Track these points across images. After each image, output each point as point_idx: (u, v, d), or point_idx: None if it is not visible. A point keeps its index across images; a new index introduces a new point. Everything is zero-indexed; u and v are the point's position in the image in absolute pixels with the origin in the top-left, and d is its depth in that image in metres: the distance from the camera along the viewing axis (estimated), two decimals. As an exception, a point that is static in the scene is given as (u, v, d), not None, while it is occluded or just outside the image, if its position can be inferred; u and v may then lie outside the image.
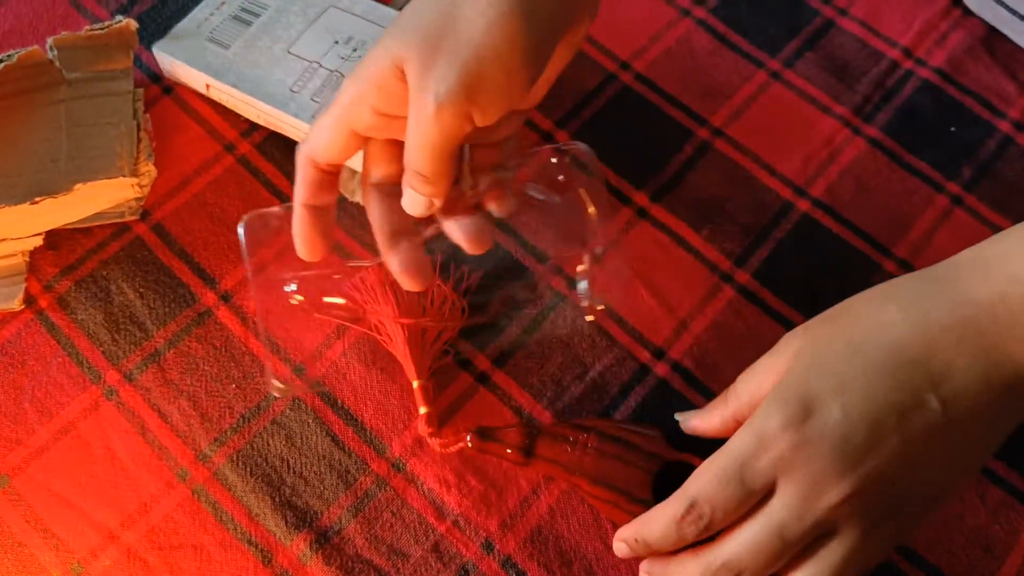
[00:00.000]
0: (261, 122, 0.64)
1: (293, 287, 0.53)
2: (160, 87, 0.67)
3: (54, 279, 0.60)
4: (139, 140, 0.61)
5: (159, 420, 0.56)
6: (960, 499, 0.55)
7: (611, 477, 0.51)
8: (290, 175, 0.64)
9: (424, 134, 0.44)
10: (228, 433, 0.56)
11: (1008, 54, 0.71)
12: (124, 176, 0.58)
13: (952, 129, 0.69)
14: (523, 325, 0.59)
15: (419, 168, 0.45)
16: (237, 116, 0.66)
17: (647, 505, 0.49)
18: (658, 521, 0.46)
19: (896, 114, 0.69)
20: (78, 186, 0.57)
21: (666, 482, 0.49)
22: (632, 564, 0.53)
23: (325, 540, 0.53)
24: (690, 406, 0.57)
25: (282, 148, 0.65)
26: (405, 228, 0.50)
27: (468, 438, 0.53)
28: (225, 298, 0.59)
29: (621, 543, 0.50)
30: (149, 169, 0.60)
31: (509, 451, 0.52)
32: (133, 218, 0.61)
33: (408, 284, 0.50)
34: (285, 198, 0.63)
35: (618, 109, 0.68)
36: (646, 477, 0.51)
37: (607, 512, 0.52)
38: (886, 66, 0.71)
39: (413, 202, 0.47)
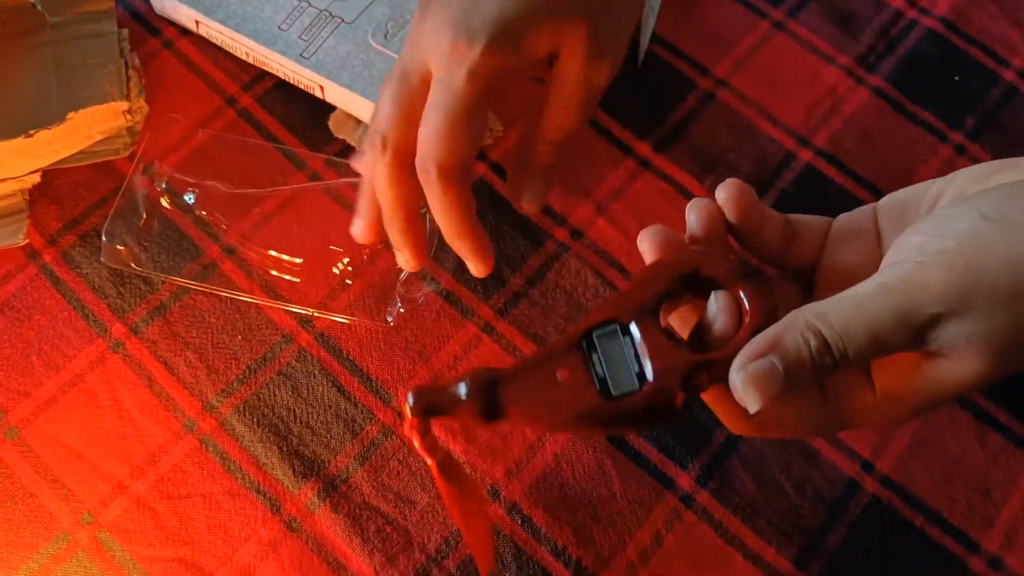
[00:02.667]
0: (251, 60, 0.64)
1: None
2: (160, 41, 0.67)
3: (58, 234, 0.60)
4: (128, 78, 0.61)
5: (166, 372, 0.56)
6: (960, 445, 0.56)
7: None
8: (293, 128, 0.64)
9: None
10: (235, 384, 0.56)
11: (1013, 3, 0.71)
12: (115, 100, 0.59)
13: (956, 79, 0.68)
14: (527, 276, 0.59)
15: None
16: (238, 69, 0.65)
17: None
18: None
19: (900, 64, 0.68)
20: (70, 115, 0.58)
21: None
22: (637, 510, 0.54)
23: (333, 488, 0.54)
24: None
25: (284, 101, 0.65)
26: (414, 206, 0.48)
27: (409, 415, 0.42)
28: (229, 251, 0.59)
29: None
30: (141, 105, 0.61)
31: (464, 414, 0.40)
32: (126, 154, 0.61)
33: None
34: (288, 153, 0.63)
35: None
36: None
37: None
38: (890, 15, 0.70)
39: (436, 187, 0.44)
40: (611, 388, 0.36)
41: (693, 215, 0.42)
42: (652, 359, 0.37)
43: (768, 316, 0.37)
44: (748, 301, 0.37)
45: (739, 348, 0.36)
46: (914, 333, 0.34)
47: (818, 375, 0.35)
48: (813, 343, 0.34)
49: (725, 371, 0.36)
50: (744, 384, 0.35)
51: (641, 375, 0.37)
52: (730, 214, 0.42)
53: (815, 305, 0.36)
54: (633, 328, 0.37)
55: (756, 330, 0.36)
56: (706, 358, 0.37)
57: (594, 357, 0.37)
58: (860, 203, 0.63)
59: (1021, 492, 0.55)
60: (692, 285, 0.39)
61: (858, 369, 0.38)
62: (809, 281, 0.43)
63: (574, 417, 0.37)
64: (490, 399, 0.37)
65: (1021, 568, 0.53)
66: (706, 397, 0.40)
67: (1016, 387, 0.57)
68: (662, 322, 0.39)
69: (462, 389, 0.38)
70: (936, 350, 0.35)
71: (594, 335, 0.37)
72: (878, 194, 0.62)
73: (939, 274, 0.34)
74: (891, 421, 0.40)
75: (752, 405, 0.35)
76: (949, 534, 0.54)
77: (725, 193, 0.42)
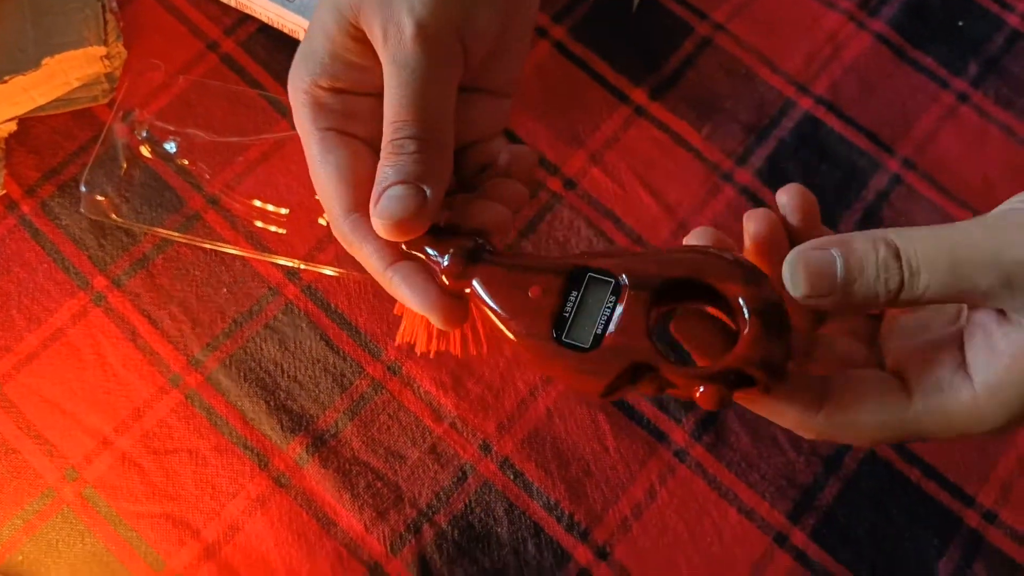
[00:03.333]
0: (233, 3, 0.62)
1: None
2: (138, -17, 0.64)
3: (36, 184, 0.58)
4: (106, 23, 0.59)
5: (149, 326, 0.55)
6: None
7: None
8: (277, 74, 0.62)
9: (405, 72, 0.35)
10: (220, 338, 0.55)
11: (1020, -56, 0.69)
12: (91, 45, 0.57)
13: (959, 24, 0.66)
14: (518, 226, 0.58)
15: (407, 129, 0.35)
16: (220, 12, 0.63)
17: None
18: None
19: (902, 8, 0.66)
20: (46, 60, 0.56)
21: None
22: (630, 464, 0.53)
23: (322, 443, 0.53)
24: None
25: (268, 46, 0.63)
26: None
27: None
28: (213, 201, 0.58)
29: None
30: (119, 51, 0.59)
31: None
32: (105, 100, 0.59)
33: (389, 230, 0.39)
34: (274, 100, 0.61)
35: (615, 2, 0.65)
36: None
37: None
38: (893, -42, 0.68)
39: (398, 199, 0.35)
40: (564, 331, 0.34)
41: (755, 225, 0.37)
42: (618, 330, 0.34)
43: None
44: (756, 336, 0.33)
45: (710, 370, 0.33)
46: (1005, 278, 0.29)
47: (882, 292, 0.30)
48: (883, 251, 0.30)
49: (672, 383, 0.33)
50: (794, 264, 0.31)
51: (598, 339, 0.34)
52: (793, 219, 0.37)
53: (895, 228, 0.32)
54: (625, 294, 0.35)
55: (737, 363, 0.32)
56: (663, 363, 0.33)
57: (572, 295, 0.35)
58: (861, 153, 0.62)
59: (1017, 448, 0.54)
60: (707, 292, 0.36)
61: (950, 354, 0.32)
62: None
63: (516, 333, 0.35)
64: (466, 264, 0.36)
65: (1015, 522, 0.52)
66: (770, 406, 0.34)
67: None
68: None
69: (451, 251, 0.36)
70: None
71: (588, 274, 0.35)
72: (879, 143, 0.61)
73: None
74: (994, 428, 0.31)
75: (796, 288, 0.31)
76: (945, 489, 0.53)
77: (789, 198, 0.37)
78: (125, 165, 0.58)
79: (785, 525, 0.52)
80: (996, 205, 0.59)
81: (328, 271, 0.56)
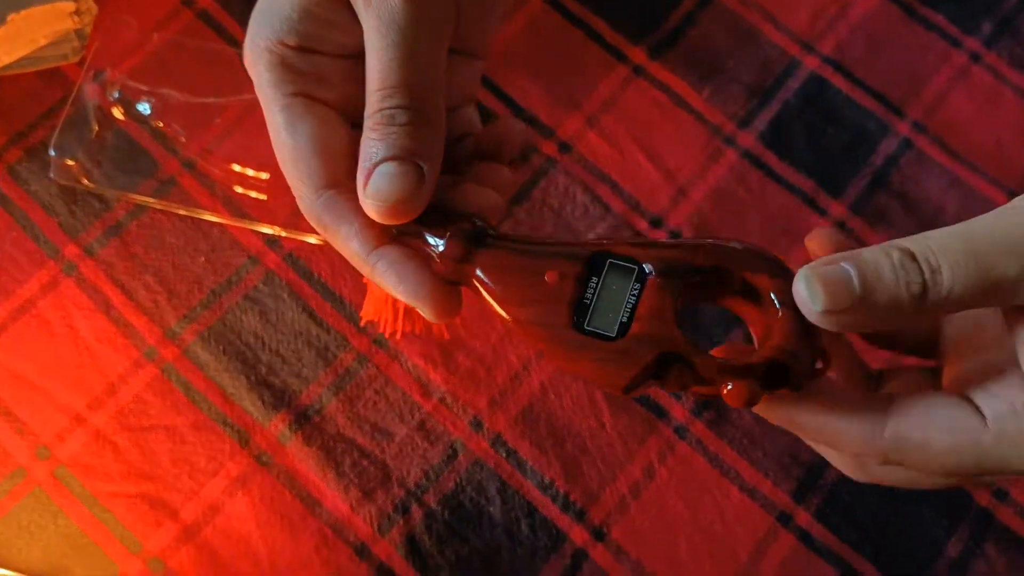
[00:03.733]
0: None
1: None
2: (109, -66, 0.61)
3: (3, 148, 0.55)
4: None
5: (123, 296, 0.52)
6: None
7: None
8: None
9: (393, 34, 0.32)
10: (198, 309, 0.52)
11: None
12: (60, 0, 0.53)
13: (973, -20, 0.63)
14: (511, 192, 0.55)
15: (397, 98, 0.32)
16: (195, -34, 0.60)
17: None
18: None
19: (913, -37, 0.63)
20: (11, 16, 0.52)
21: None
22: (628, 442, 0.51)
23: (305, 420, 0.50)
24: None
25: (246, 1, 0.59)
26: None
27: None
28: (189, 165, 0.55)
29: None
30: (90, 6, 0.55)
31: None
32: (76, 59, 0.56)
33: (383, 213, 0.34)
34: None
35: (613, -42, 0.62)
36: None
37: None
38: (904, -90, 0.65)
39: (392, 177, 0.31)
40: (587, 319, 0.32)
41: (817, 244, 0.35)
42: (643, 320, 0.31)
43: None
44: (788, 328, 0.31)
45: (742, 362, 0.30)
46: None
47: (906, 297, 0.28)
48: (896, 255, 0.28)
49: (702, 377, 0.30)
50: (808, 279, 0.28)
51: (624, 328, 0.32)
52: None
53: None
54: (650, 281, 0.32)
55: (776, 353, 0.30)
56: (695, 354, 0.31)
57: (593, 280, 0.32)
58: (869, 115, 0.59)
59: None
60: (732, 286, 0.33)
61: (1017, 375, 0.29)
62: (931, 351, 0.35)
63: (531, 322, 0.32)
64: (467, 248, 0.32)
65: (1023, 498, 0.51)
66: (831, 423, 0.31)
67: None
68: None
69: (448, 234, 0.33)
70: None
71: (609, 260, 0.32)
72: (888, 105, 0.59)
73: None
74: None
75: (816, 303, 0.28)
76: (954, 465, 0.51)
77: (819, 245, 0.35)
78: (96, 127, 0.55)
79: (789, 504, 0.50)
80: (1009, 170, 0.57)
81: (311, 239, 0.53)
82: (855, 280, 0.28)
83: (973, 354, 0.32)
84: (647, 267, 0.32)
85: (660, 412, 0.51)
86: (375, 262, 0.32)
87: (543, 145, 0.57)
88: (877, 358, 0.38)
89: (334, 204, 0.32)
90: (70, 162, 0.53)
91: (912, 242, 0.28)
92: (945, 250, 0.27)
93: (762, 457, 0.51)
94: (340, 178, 0.32)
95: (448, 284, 0.33)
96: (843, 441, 0.30)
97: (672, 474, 0.50)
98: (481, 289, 0.32)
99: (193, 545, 0.48)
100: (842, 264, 0.28)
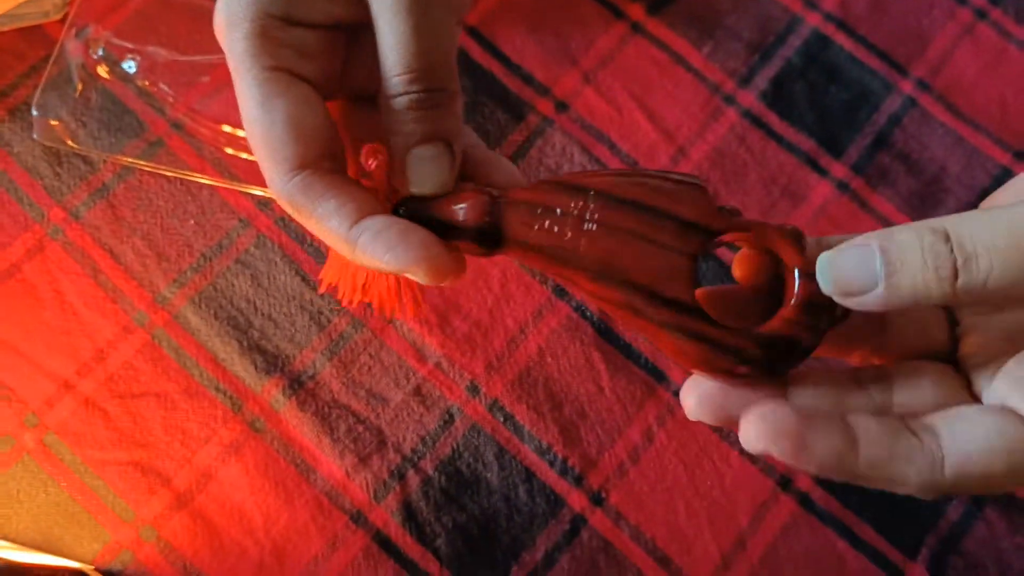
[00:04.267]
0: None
1: None
2: None
3: (-16, 107, 0.54)
4: None
5: (111, 261, 0.51)
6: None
7: (625, 266, 0.30)
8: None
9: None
10: (188, 273, 0.51)
11: None
12: None
13: (978, -66, 0.62)
14: (507, 153, 0.54)
15: (425, 79, 0.31)
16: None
17: (683, 309, 0.29)
18: None
19: (918, -84, 0.62)
20: None
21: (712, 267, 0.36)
22: (627, 406, 0.50)
23: (299, 385, 0.50)
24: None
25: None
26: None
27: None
28: (177, 126, 0.53)
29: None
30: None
31: (462, 239, 0.31)
32: (58, 16, 0.54)
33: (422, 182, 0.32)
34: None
35: (611, -89, 0.60)
36: (681, 263, 0.30)
37: (623, 320, 0.31)
38: None
39: (430, 159, 0.31)
40: None
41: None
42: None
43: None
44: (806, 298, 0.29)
45: (754, 331, 0.29)
46: None
47: (934, 282, 0.26)
48: (927, 237, 0.26)
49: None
50: (830, 257, 0.27)
51: None
52: None
53: None
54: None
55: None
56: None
57: None
58: (872, 74, 0.58)
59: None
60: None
61: None
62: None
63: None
64: (491, 223, 0.31)
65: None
66: (889, 471, 0.28)
67: None
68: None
69: (460, 211, 0.31)
70: None
71: None
72: (891, 64, 0.57)
73: None
74: None
75: (830, 282, 0.27)
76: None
77: None
78: (80, 87, 0.53)
79: (789, 468, 0.49)
80: (1014, 129, 0.55)
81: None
82: (878, 261, 0.27)
83: (1002, 345, 0.30)
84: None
85: (659, 376, 0.50)
86: (358, 236, 0.30)
87: (539, 104, 0.55)
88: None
89: (311, 185, 0.31)
90: (54, 122, 0.52)
91: (948, 222, 0.26)
92: (985, 235, 0.26)
93: (762, 421, 0.50)
94: (314, 159, 0.31)
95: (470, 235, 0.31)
96: (905, 486, 0.28)
97: (671, 438, 0.50)
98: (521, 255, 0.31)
99: (186, 513, 0.48)
100: (871, 244, 0.27)
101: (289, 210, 0.31)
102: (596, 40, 0.57)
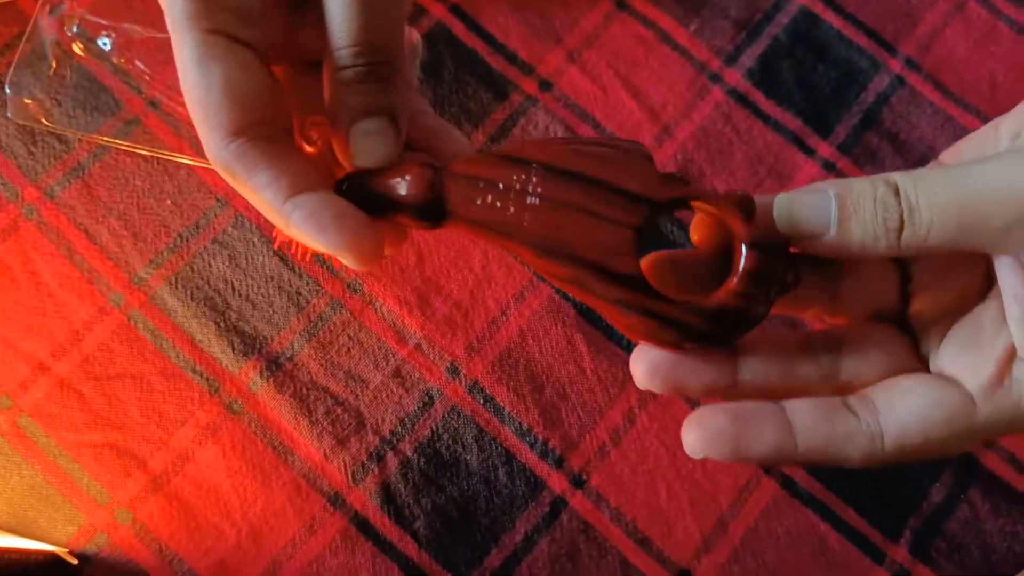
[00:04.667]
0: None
1: None
2: None
3: (-42, 85, 0.53)
4: None
5: (87, 241, 0.51)
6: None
7: (569, 241, 0.29)
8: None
9: None
10: (164, 254, 0.51)
11: None
12: None
13: (970, -90, 0.61)
14: (490, 132, 0.53)
15: (372, 53, 0.30)
16: None
17: (629, 283, 0.29)
18: None
19: None
20: None
21: (656, 239, 0.34)
22: (609, 387, 0.49)
23: (277, 367, 0.49)
24: (673, 221, 0.52)
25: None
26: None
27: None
28: (154, 104, 0.53)
29: None
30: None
31: (404, 214, 0.30)
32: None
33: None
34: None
35: None
36: (626, 236, 0.29)
37: (573, 294, 0.31)
38: None
39: (373, 133, 0.30)
40: None
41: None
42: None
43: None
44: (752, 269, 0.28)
45: (699, 304, 0.28)
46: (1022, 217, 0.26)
47: (881, 232, 0.27)
48: (881, 188, 0.27)
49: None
50: (787, 199, 0.28)
51: None
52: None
53: None
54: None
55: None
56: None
57: None
58: (861, 52, 0.57)
59: None
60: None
61: (1001, 339, 0.28)
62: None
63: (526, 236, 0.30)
64: (433, 198, 0.30)
65: (1014, 447, 0.50)
66: (829, 453, 0.29)
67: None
68: None
69: (402, 186, 0.30)
70: None
71: None
72: (880, 42, 0.57)
73: None
74: None
75: (787, 224, 0.28)
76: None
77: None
78: (55, 64, 0.52)
79: (772, 450, 0.49)
80: (1003, 108, 0.55)
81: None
82: (833, 207, 0.27)
83: (950, 309, 0.30)
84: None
85: (642, 358, 0.50)
86: (291, 212, 0.29)
87: (523, 83, 0.54)
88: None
89: (246, 153, 0.30)
90: (28, 100, 0.51)
91: (902, 176, 0.27)
92: (931, 192, 0.26)
93: (745, 403, 0.49)
94: (251, 125, 0.30)
95: (379, 226, 0.30)
96: (847, 464, 0.29)
97: (653, 420, 0.49)
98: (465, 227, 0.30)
99: (162, 495, 0.47)
100: (828, 190, 0.28)
101: (225, 177, 0.30)
102: (581, 18, 0.56)
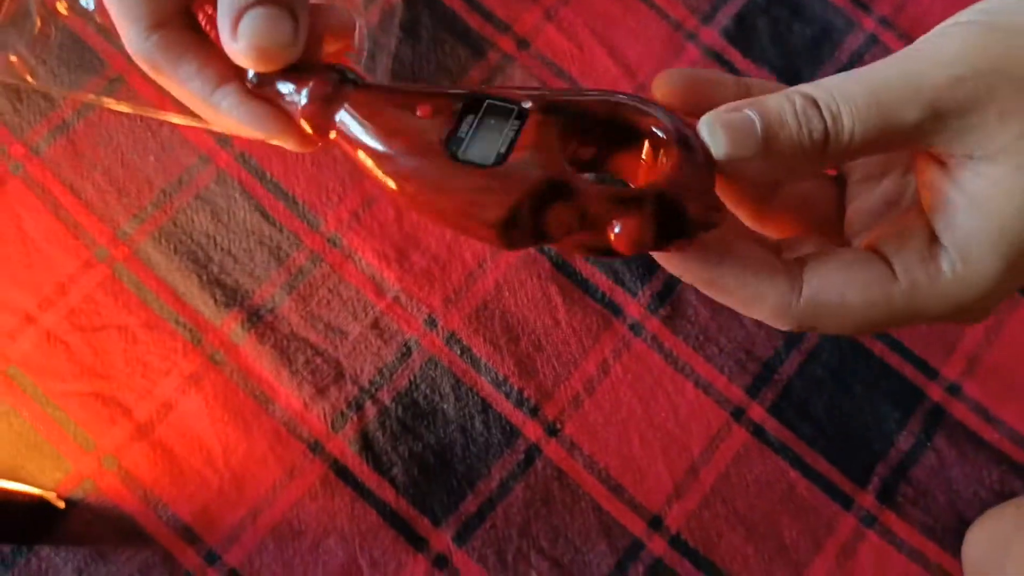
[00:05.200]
0: None
1: None
2: None
3: (-55, 44, 0.54)
4: None
5: (72, 197, 0.52)
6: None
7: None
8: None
9: None
10: (148, 209, 0.52)
11: None
12: None
13: None
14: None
15: None
16: None
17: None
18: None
19: None
20: None
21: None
22: (583, 339, 0.51)
23: (258, 319, 0.50)
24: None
25: None
26: None
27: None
28: (137, 63, 0.54)
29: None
30: None
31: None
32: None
33: (256, 59, 0.29)
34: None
35: None
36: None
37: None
38: None
39: (267, 18, 0.28)
40: (461, 149, 0.28)
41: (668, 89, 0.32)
42: (526, 147, 0.28)
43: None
44: (680, 161, 0.28)
45: (633, 192, 0.27)
46: (929, 107, 0.26)
47: (807, 144, 0.27)
48: (799, 101, 0.27)
49: (588, 215, 0.27)
50: (711, 123, 0.27)
51: (502, 158, 0.28)
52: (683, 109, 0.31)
53: None
54: (532, 118, 0.29)
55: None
56: (579, 182, 0.27)
57: (469, 118, 0.29)
58: (836, 11, 0.57)
59: (986, 320, 0.52)
60: (623, 135, 0.30)
61: (921, 220, 0.29)
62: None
63: (404, 152, 0.28)
64: (333, 92, 0.29)
65: (979, 395, 0.51)
66: (741, 291, 0.29)
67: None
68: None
69: (299, 95, 0.29)
70: (971, 152, 0.26)
71: (488, 100, 0.29)
72: (855, 0, 0.57)
73: (962, 34, 0.27)
74: (987, 290, 0.27)
75: (718, 147, 0.27)
76: (909, 362, 0.51)
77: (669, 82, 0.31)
78: (39, 23, 0.53)
79: (743, 400, 0.50)
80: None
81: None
82: (758, 126, 0.27)
83: (880, 211, 0.31)
84: (527, 104, 0.29)
85: (615, 309, 0.51)
86: (219, 101, 0.29)
87: (500, 40, 0.55)
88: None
89: (167, 43, 0.29)
90: (13, 58, 0.52)
91: (814, 88, 0.27)
92: (846, 96, 0.26)
93: (717, 353, 0.51)
94: (171, 16, 0.29)
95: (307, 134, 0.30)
96: (756, 306, 0.28)
97: (627, 371, 0.50)
98: (346, 131, 0.29)
99: (147, 443, 0.48)
100: (745, 111, 0.27)
101: (149, 71, 0.30)
102: None
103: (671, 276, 0.51)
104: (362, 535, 0.48)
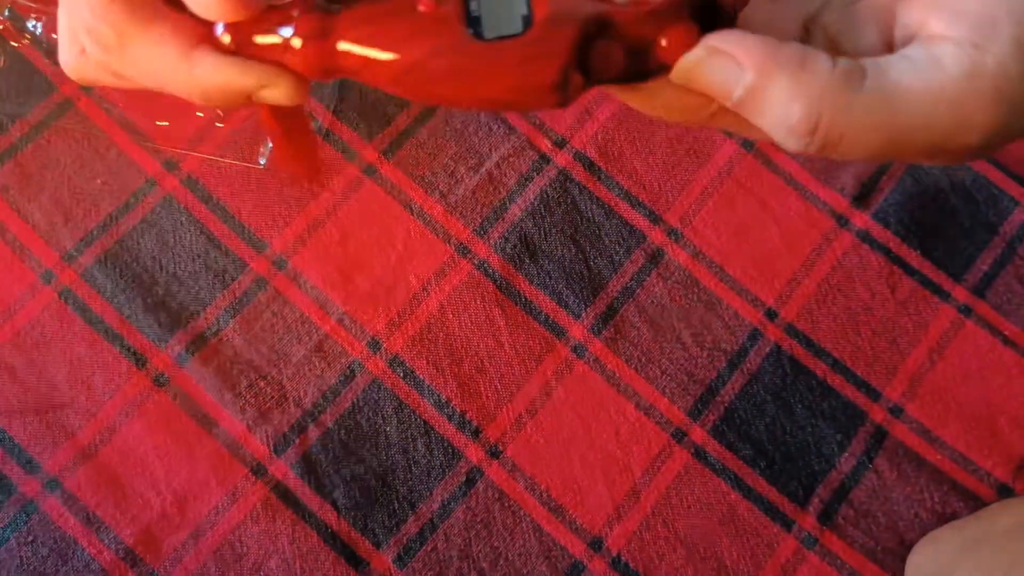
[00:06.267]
0: None
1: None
2: None
3: None
4: None
5: (19, 219, 0.52)
6: (870, 291, 0.53)
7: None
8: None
9: None
10: (95, 232, 0.52)
11: None
12: None
13: None
14: (412, 114, 0.55)
15: None
16: None
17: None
18: None
19: None
20: None
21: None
22: (526, 361, 0.51)
23: (202, 342, 0.50)
24: (594, 200, 0.54)
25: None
26: None
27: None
28: (86, 87, 0.54)
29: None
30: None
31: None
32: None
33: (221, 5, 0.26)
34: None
35: None
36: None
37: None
38: None
39: None
40: (483, 27, 0.26)
41: None
42: (546, 3, 0.26)
43: None
44: None
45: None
46: None
47: None
48: None
49: (633, 41, 0.25)
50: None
51: (528, 20, 0.26)
52: None
53: None
54: None
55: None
56: (615, 11, 0.25)
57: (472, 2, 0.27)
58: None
59: (928, 339, 0.52)
60: None
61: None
62: None
63: (431, 54, 0.26)
64: (322, 14, 0.27)
65: (922, 416, 0.51)
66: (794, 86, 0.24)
67: (931, 227, 0.54)
68: None
69: (295, 13, 0.27)
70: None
71: None
72: None
73: None
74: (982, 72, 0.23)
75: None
76: (851, 383, 0.52)
77: None
78: (-11, 47, 0.53)
79: (685, 422, 0.50)
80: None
81: (210, 158, 0.53)
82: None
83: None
84: None
85: (559, 331, 0.51)
86: (201, 58, 0.27)
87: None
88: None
89: (132, 9, 0.27)
90: (-39, 83, 0.52)
91: None
92: None
93: (659, 375, 0.51)
94: None
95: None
96: (811, 82, 0.24)
97: (569, 393, 0.51)
98: (356, 59, 0.27)
99: (91, 465, 0.49)
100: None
101: (110, 40, 0.27)
102: None
103: (616, 297, 0.51)
104: (303, 557, 0.48)
